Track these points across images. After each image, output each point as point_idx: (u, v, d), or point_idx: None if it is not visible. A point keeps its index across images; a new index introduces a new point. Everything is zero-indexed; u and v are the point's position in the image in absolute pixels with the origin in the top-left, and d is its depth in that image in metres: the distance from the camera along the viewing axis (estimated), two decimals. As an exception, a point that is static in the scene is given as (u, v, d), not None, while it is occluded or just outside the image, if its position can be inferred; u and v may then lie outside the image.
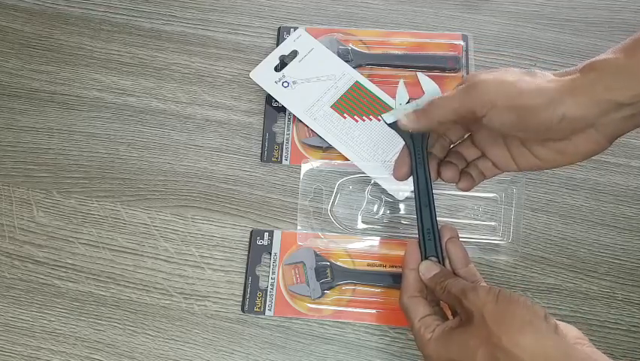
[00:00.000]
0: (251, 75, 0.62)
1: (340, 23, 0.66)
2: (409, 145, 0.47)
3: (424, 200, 0.47)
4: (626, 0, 0.67)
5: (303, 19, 0.66)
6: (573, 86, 0.39)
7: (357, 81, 0.61)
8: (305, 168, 0.58)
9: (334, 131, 0.59)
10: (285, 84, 0.61)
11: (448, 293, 0.42)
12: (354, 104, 0.61)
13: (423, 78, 0.48)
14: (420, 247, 0.46)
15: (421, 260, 0.46)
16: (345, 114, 0.60)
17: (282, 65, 0.62)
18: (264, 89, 0.61)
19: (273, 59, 0.62)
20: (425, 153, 0.46)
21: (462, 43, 0.64)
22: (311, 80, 0.61)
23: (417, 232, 0.46)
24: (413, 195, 0.48)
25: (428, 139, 0.46)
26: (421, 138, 0.46)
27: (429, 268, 0.45)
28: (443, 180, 0.48)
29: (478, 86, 0.41)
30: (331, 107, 0.61)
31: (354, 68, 0.63)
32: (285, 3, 0.68)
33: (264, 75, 0.62)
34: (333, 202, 0.57)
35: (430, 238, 0.46)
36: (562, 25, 0.66)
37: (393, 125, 0.47)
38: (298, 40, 0.63)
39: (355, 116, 0.60)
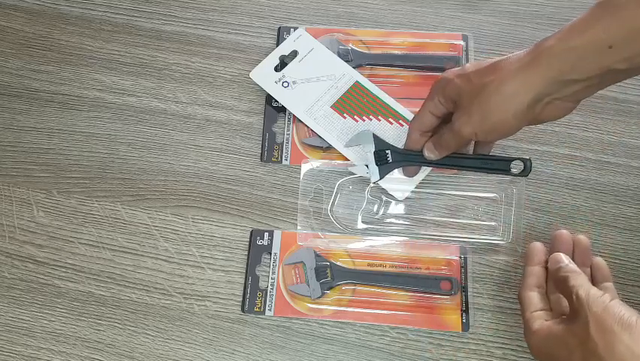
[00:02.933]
0: (251, 75, 0.62)
1: (340, 23, 0.66)
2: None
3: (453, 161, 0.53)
4: (626, 0, 0.67)
5: (303, 19, 0.66)
6: (534, 76, 0.43)
7: (357, 81, 0.61)
8: (305, 168, 0.58)
9: (334, 132, 0.59)
10: (285, 84, 0.61)
11: (564, 284, 0.43)
12: (355, 104, 0.61)
13: (361, 138, 0.55)
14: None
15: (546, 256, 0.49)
16: (345, 114, 0.60)
17: (282, 64, 0.62)
18: (264, 89, 0.61)
19: (273, 58, 0.62)
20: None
21: (462, 43, 0.64)
22: (311, 80, 0.61)
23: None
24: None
25: None
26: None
27: (557, 260, 0.46)
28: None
29: (457, 123, 0.47)
30: (331, 107, 0.60)
31: (354, 68, 0.63)
32: (285, 3, 0.68)
33: (263, 75, 0.62)
34: (333, 202, 0.57)
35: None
36: (562, 25, 0.65)
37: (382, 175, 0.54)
38: (298, 40, 0.63)
39: (355, 116, 0.60)
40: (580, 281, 0.42)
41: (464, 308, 0.54)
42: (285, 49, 0.63)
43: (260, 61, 0.62)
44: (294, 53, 0.62)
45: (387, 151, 0.54)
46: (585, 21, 0.42)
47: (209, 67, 0.65)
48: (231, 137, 0.61)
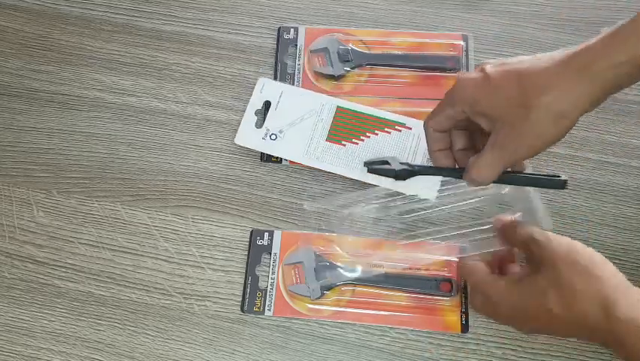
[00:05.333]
0: (236, 141, 0.59)
1: (340, 23, 0.66)
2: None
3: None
4: (627, 0, 0.67)
5: (303, 19, 0.66)
6: (583, 97, 0.44)
7: (338, 106, 0.60)
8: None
9: (341, 163, 0.58)
10: (273, 137, 0.59)
11: (519, 237, 0.46)
12: (346, 128, 0.59)
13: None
14: None
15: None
16: (343, 142, 0.59)
17: (265, 110, 0.60)
18: (255, 149, 0.59)
19: (250, 117, 0.61)
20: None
21: (462, 43, 0.64)
22: (295, 122, 0.60)
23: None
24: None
25: None
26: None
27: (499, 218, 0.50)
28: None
29: (512, 145, 0.44)
30: (326, 140, 0.59)
31: (353, 68, 0.62)
32: (285, 3, 0.68)
33: (249, 137, 0.60)
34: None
35: None
36: (562, 25, 0.66)
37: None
38: (264, 89, 0.61)
39: (353, 140, 0.59)
40: (530, 231, 0.45)
41: (464, 310, 0.54)
42: (255, 103, 0.61)
43: (261, 62, 0.62)
44: (267, 104, 0.61)
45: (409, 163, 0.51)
46: (625, 35, 0.43)
47: (209, 67, 0.65)
48: (231, 137, 0.61)
